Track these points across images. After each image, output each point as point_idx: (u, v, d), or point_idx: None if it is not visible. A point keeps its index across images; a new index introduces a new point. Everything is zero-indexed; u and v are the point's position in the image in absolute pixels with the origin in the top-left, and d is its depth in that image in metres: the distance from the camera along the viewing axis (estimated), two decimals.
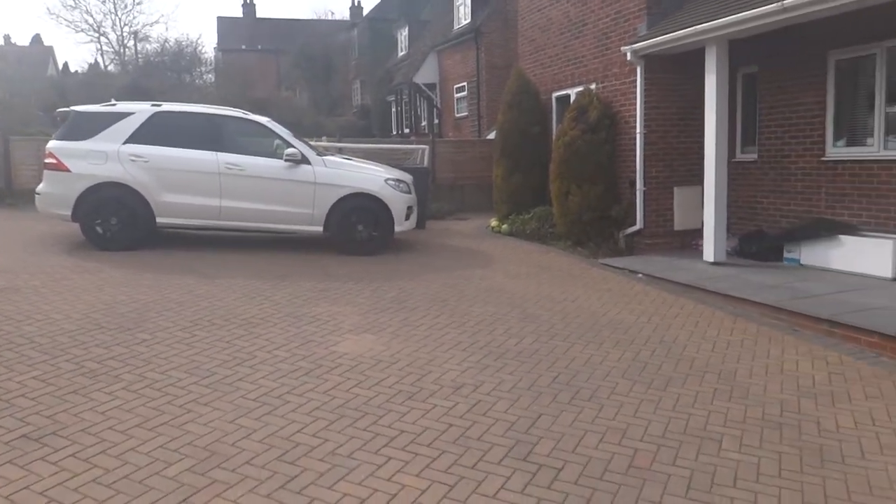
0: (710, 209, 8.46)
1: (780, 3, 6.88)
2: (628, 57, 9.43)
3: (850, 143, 8.10)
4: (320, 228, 9.05)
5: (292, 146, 8.92)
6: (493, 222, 12.34)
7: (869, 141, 7.82)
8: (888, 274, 7.13)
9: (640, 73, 9.45)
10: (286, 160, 8.80)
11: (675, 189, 9.68)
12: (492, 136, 14.98)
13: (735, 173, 9.38)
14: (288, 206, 8.87)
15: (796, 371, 4.97)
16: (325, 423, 3.90)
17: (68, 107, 9.52)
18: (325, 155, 9.62)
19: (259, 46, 44.21)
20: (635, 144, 9.65)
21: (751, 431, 3.93)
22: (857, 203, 7.89)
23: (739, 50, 8.58)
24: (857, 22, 7.32)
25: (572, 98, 10.92)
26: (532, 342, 5.50)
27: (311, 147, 9.55)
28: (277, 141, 9.02)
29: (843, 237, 7.68)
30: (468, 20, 22.20)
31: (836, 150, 8.19)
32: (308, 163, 8.90)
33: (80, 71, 43.26)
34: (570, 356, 5.18)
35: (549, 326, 5.97)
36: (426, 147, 14.25)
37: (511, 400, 4.31)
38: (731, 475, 3.43)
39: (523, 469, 3.45)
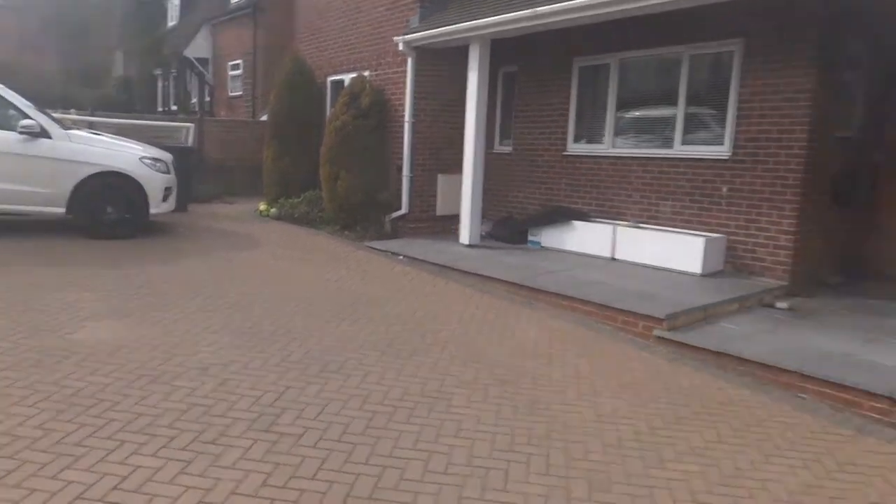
0: (466, 196, 9.12)
1: (532, 10, 7.60)
2: (400, 47, 9.79)
3: (587, 141, 9.19)
4: (62, 210, 8.25)
5: (29, 117, 8.00)
6: (262, 206, 12.11)
7: (601, 140, 8.94)
8: (608, 254, 8.26)
9: (411, 63, 9.86)
10: (21, 132, 7.89)
11: (439, 176, 10.28)
12: (266, 117, 14.64)
13: (493, 163, 10.18)
14: (22, 184, 7.96)
15: (526, 337, 5.61)
16: (53, 414, 3.66)
17: None
18: (73, 129, 8.76)
19: None
20: (404, 132, 10.07)
21: (478, 390, 4.39)
22: (589, 193, 9.02)
23: (502, 50, 9.31)
24: (597, 34, 8.29)
25: (346, 83, 11.07)
26: (287, 321, 5.57)
27: (55, 120, 8.63)
28: (11, 111, 8.03)
29: (576, 223, 8.72)
30: None
31: (576, 147, 9.27)
32: (48, 136, 8.05)
33: None
34: (324, 333, 5.34)
35: (307, 305, 6.08)
36: (192, 125, 13.53)
37: (259, 377, 4.36)
38: (455, 427, 3.82)
39: (264, 439, 3.54)
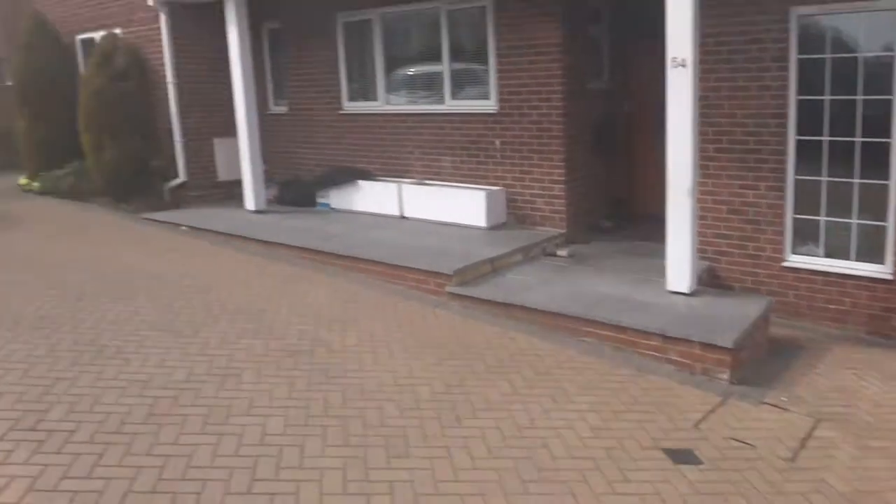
0: (245, 160, 8.73)
1: None
2: (150, 2, 9.00)
3: (363, 99, 9.08)
4: None
5: None
6: (23, 180, 10.82)
7: (376, 97, 8.85)
8: (397, 213, 8.33)
9: (165, 20, 9.12)
10: None
11: (215, 140, 9.71)
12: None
13: (270, 125, 9.76)
14: None
15: (317, 303, 5.55)
16: None
17: None
18: None
19: None
20: (168, 94, 9.34)
21: (269, 362, 4.30)
22: (372, 151, 8.90)
23: (263, 5, 8.86)
24: None
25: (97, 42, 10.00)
26: (54, 307, 5.05)
27: None
28: None
29: (361, 182, 8.68)
30: None
31: (352, 105, 9.09)
32: None
33: None
34: (97, 316, 4.91)
35: (78, 287, 5.55)
36: None
37: (23, 370, 3.92)
38: (246, 405, 3.72)
39: (30, 439, 3.24)
